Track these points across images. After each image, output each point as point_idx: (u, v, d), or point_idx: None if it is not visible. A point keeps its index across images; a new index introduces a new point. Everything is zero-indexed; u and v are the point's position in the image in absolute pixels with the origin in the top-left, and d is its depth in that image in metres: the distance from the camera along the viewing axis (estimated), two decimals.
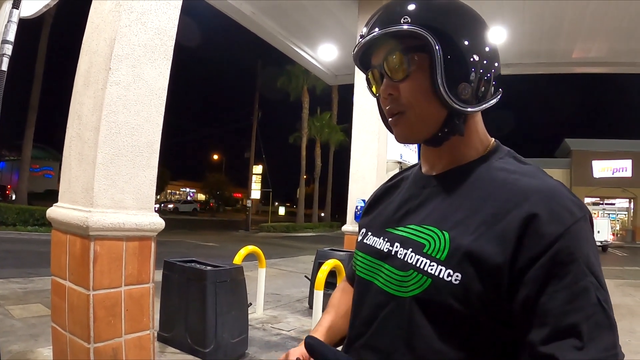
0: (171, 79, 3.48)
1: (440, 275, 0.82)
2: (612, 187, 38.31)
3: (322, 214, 48.33)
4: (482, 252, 0.79)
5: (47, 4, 3.20)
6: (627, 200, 39.79)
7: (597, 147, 38.75)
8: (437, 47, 0.87)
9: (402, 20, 0.89)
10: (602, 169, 38.78)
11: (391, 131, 0.99)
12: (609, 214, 38.66)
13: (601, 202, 41.26)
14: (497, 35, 7.83)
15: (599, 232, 26.21)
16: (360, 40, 0.96)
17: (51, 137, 39.22)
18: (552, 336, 0.72)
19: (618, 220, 40.59)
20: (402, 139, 0.98)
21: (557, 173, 38.21)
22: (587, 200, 39.45)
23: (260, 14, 7.98)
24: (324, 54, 9.61)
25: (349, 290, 1.20)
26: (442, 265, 0.82)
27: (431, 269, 0.83)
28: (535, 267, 0.75)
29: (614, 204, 41.30)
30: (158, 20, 3.35)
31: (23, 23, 3.11)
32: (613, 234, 31.63)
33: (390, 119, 0.97)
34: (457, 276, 0.80)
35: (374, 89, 1.02)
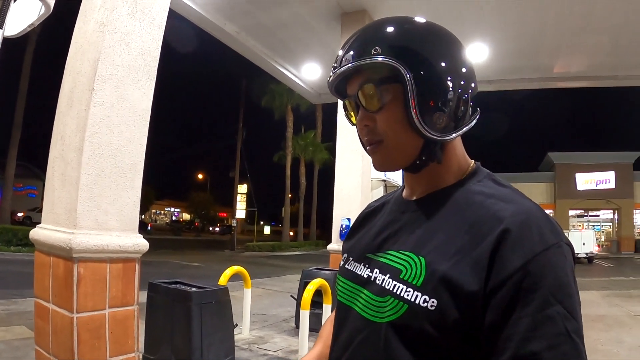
0: (155, 98, 3.48)
1: (416, 301, 0.81)
2: (596, 199, 38.73)
3: (308, 233, 48.14)
4: (458, 279, 0.79)
5: (32, 24, 3.18)
6: (611, 211, 40.21)
7: (580, 160, 39.23)
8: (409, 78, 0.87)
9: (372, 51, 0.88)
10: (585, 181, 39.21)
11: (367, 149, 0.99)
12: (593, 225, 39.09)
13: (585, 214, 41.65)
14: (478, 53, 7.96)
15: (584, 244, 26.41)
16: (334, 71, 0.95)
17: (35, 156, 38.84)
18: None
19: (603, 232, 40.91)
20: (380, 167, 0.98)
21: (541, 187, 38.65)
22: (571, 212, 39.89)
23: (244, 34, 8.03)
24: (308, 73, 9.67)
25: None
26: (418, 291, 0.82)
27: (407, 295, 0.83)
28: (501, 292, 0.75)
29: (598, 216, 41.68)
30: (142, 41, 3.36)
31: (7, 40, 3.10)
32: (598, 245, 31.86)
33: (368, 147, 0.98)
34: (432, 302, 0.79)
35: (352, 117, 1.02)
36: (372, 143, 0.95)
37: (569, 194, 38.84)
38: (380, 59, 0.88)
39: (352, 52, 0.92)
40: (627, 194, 38.06)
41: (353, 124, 1.02)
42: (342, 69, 0.92)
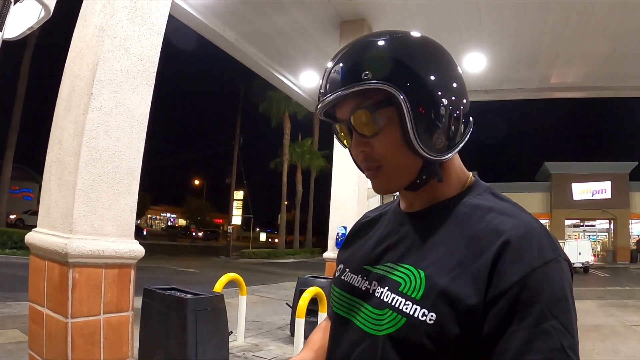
0: (153, 103, 3.48)
1: (415, 315, 0.81)
2: (592, 208, 38.72)
3: (304, 240, 47.99)
4: (458, 293, 0.78)
5: (31, 27, 3.19)
6: (607, 221, 40.21)
7: (576, 170, 39.27)
8: (403, 100, 0.84)
9: (363, 76, 0.85)
10: (581, 191, 39.24)
11: (366, 174, 0.98)
12: (589, 235, 39.08)
13: (582, 224, 41.68)
14: (476, 63, 7.95)
15: (580, 253, 26.43)
16: (321, 98, 0.92)
17: (31, 159, 38.72)
18: None
19: (599, 242, 40.92)
20: (382, 191, 0.96)
21: (537, 197, 38.69)
22: (567, 222, 39.93)
23: (243, 41, 8.03)
24: (306, 81, 9.64)
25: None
26: (417, 305, 0.81)
27: (406, 308, 0.82)
28: (498, 305, 0.75)
29: (594, 226, 41.68)
30: (141, 46, 3.37)
31: (5, 43, 3.10)
32: (594, 255, 31.82)
33: (366, 173, 0.96)
34: (431, 316, 0.79)
35: (344, 140, 0.99)
36: (371, 169, 0.93)
37: (565, 204, 38.88)
38: (372, 84, 0.85)
39: (340, 77, 0.89)
40: (623, 204, 38.12)
41: (346, 147, 0.99)
42: (332, 97, 0.89)
